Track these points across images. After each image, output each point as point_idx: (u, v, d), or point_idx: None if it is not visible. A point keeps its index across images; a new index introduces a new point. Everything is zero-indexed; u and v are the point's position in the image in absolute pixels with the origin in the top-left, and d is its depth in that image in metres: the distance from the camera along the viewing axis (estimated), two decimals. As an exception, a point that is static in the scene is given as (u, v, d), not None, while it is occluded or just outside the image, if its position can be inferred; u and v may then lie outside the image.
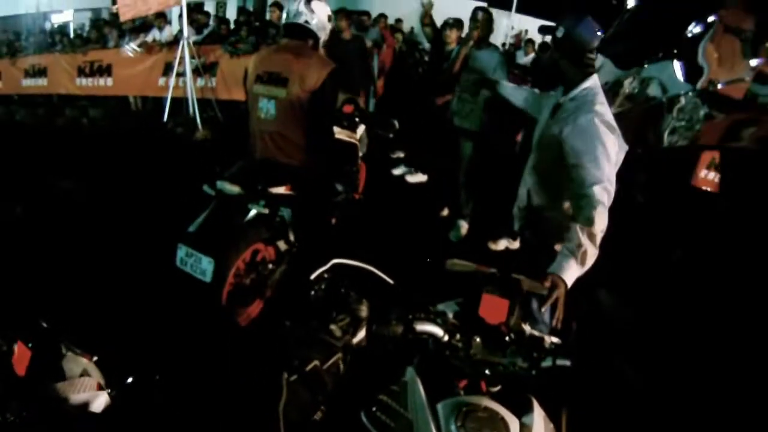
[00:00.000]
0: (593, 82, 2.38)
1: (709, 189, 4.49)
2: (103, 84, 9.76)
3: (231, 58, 8.65)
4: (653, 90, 3.86)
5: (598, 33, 2.35)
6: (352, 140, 4.68)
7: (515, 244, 4.64)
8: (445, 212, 5.53)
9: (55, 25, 15.03)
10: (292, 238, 3.43)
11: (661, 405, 2.91)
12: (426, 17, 5.64)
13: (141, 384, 1.60)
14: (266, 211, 3.19)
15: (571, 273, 2.02)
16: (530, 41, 12.09)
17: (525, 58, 11.27)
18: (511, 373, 1.39)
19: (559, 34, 2.36)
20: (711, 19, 3.61)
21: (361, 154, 4.84)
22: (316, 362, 1.51)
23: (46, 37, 12.93)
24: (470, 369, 1.41)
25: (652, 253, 4.27)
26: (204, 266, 2.97)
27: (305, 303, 1.59)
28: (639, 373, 3.11)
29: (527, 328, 1.48)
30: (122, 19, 8.36)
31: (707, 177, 4.50)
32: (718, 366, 3.19)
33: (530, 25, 15.17)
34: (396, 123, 4.48)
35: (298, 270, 3.42)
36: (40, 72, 10.35)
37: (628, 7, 4.72)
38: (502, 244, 4.87)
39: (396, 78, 8.24)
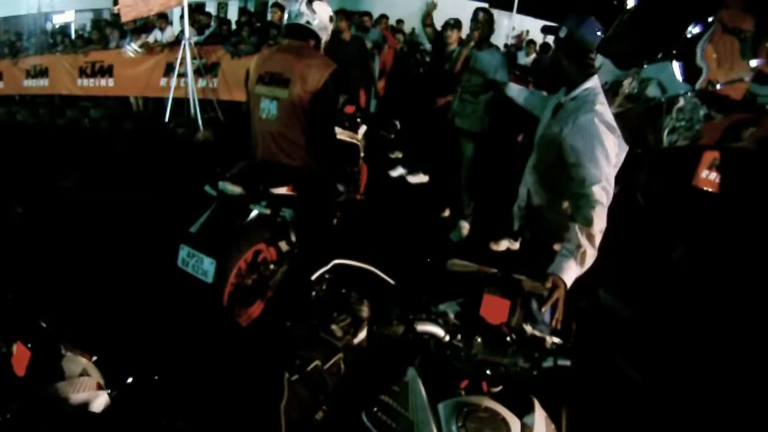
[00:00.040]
0: (594, 82, 2.39)
1: (710, 189, 4.49)
2: (105, 84, 9.78)
3: (232, 58, 8.65)
4: (652, 90, 3.86)
5: (599, 33, 2.35)
6: (354, 141, 4.69)
7: (516, 245, 4.64)
8: (447, 213, 5.54)
9: (57, 26, 15.07)
10: (293, 238, 3.44)
11: (661, 405, 2.91)
12: (428, 17, 5.65)
13: (141, 384, 1.60)
14: (268, 211, 3.19)
15: (571, 273, 2.03)
16: (532, 42, 12.08)
17: (526, 59, 11.28)
18: (513, 373, 1.40)
19: (562, 34, 2.37)
20: (710, 19, 3.61)
21: (362, 154, 4.85)
22: (317, 362, 1.51)
23: (47, 37, 12.97)
24: (471, 369, 1.41)
25: (652, 254, 4.26)
26: (206, 267, 2.97)
27: (306, 303, 1.59)
28: (639, 372, 3.11)
29: (528, 328, 1.49)
30: (123, 19, 8.37)
31: (708, 177, 4.50)
32: (718, 366, 3.19)
33: (531, 26, 15.19)
34: (397, 123, 4.48)
35: (299, 270, 3.43)
36: (42, 72, 10.37)
37: (628, 7, 4.71)
38: (503, 245, 4.87)
39: (397, 79, 8.25)
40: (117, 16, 9.25)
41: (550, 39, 10.48)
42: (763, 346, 3.25)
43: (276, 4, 9.65)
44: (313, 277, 1.60)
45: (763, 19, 3.51)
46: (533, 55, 11.06)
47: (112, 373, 1.56)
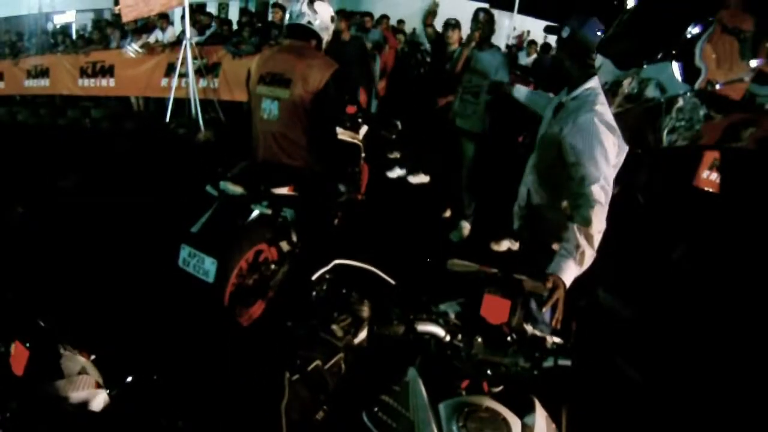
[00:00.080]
0: (595, 82, 2.40)
1: (710, 190, 4.49)
2: (106, 85, 9.78)
3: (233, 58, 8.65)
4: (652, 90, 3.86)
5: (599, 33, 2.35)
6: (355, 141, 4.69)
7: (517, 245, 4.65)
8: (448, 213, 5.54)
9: (58, 26, 15.05)
10: (294, 238, 3.44)
11: (661, 404, 2.91)
12: (429, 17, 5.65)
13: (140, 383, 1.60)
14: (269, 211, 3.19)
15: (570, 273, 2.03)
16: (533, 42, 12.08)
17: (527, 59, 11.27)
18: (513, 373, 1.40)
19: (565, 34, 2.38)
20: (710, 19, 3.60)
21: (363, 155, 4.85)
22: (317, 362, 1.52)
23: (48, 37, 12.95)
24: (472, 369, 1.41)
25: (652, 254, 4.27)
26: (207, 267, 2.98)
27: (307, 303, 1.60)
28: (640, 372, 3.11)
29: (529, 328, 1.49)
30: (124, 20, 8.37)
31: (709, 178, 4.51)
32: (718, 365, 3.19)
33: (532, 26, 15.18)
34: (398, 123, 4.48)
35: (300, 270, 3.43)
36: (43, 73, 10.38)
37: (628, 7, 4.71)
38: (504, 245, 4.87)
39: (398, 79, 8.25)
40: (118, 16, 9.27)
41: (552, 39, 10.50)
42: (763, 346, 3.25)
43: (277, 5, 9.64)
44: (314, 277, 1.60)
45: (763, 19, 3.50)
46: (534, 56, 11.05)
47: (111, 372, 1.56)
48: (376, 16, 9.40)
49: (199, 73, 8.47)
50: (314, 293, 1.59)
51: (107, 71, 9.68)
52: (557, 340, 1.46)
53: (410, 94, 7.05)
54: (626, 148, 2.35)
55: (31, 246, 3.95)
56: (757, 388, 2.98)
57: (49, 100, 10.63)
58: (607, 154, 2.19)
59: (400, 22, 11.90)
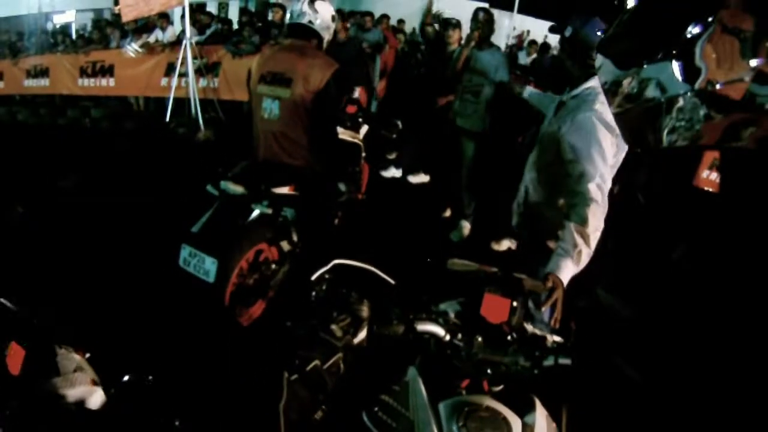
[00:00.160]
0: (596, 82, 2.39)
1: (710, 189, 4.49)
2: (106, 84, 9.78)
3: (233, 58, 8.64)
4: (652, 90, 3.86)
5: (599, 33, 2.36)
6: (356, 140, 4.69)
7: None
8: (448, 213, 5.54)
9: (57, 26, 15.06)
10: (295, 238, 3.44)
11: (660, 404, 2.91)
12: (428, 16, 5.67)
13: (137, 382, 1.60)
14: (270, 211, 3.20)
15: (567, 272, 2.04)
16: (533, 42, 12.09)
17: (527, 59, 11.28)
18: (513, 372, 1.40)
19: (567, 33, 2.39)
20: (710, 19, 3.60)
21: (364, 154, 4.85)
22: (316, 362, 1.52)
23: (48, 37, 12.97)
24: (472, 368, 1.41)
25: (652, 253, 4.26)
26: (207, 266, 2.98)
27: (306, 303, 1.60)
28: (639, 372, 3.11)
29: (529, 327, 1.49)
30: (124, 19, 8.37)
31: (709, 177, 4.50)
32: (718, 365, 3.19)
33: (532, 26, 15.17)
34: (399, 123, 4.48)
35: (301, 270, 3.43)
36: (42, 72, 10.38)
37: (628, 7, 4.71)
38: (504, 245, 4.87)
39: (398, 79, 8.25)
40: (118, 15, 9.27)
41: (551, 39, 10.50)
42: (763, 345, 3.25)
43: (277, 4, 9.65)
44: (313, 277, 1.60)
45: (763, 18, 3.50)
46: (534, 56, 11.05)
47: (107, 370, 1.56)
48: (377, 15, 9.39)
49: (199, 72, 8.47)
50: (314, 293, 1.59)
51: (107, 71, 9.67)
52: (557, 339, 1.46)
53: (410, 94, 7.05)
54: (625, 148, 2.35)
55: (30, 246, 3.95)
56: (757, 388, 2.98)
57: (48, 99, 10.63)
58: (605, 153, 2.20)
59: (401, 21, 11.90)
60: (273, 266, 3.41)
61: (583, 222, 2.10)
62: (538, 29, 14.44)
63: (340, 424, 1.49)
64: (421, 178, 6.61)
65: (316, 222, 3.55)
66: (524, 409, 1.35)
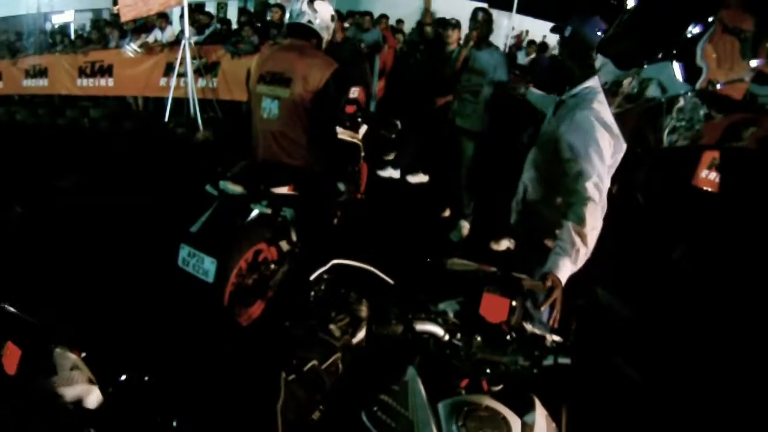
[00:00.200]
0: (595, 81, 2.41)
1: (710, 189, 4.49)
2: (104, 84, 9.77)
3: (232, 58, 8.65)
4: (652, 90, 3.86)
5: (599, 33, 2.36)
6: (355, 140, 4.69)
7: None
8: (447, 213, 5.54)
9: (56, 26, 15.06)
10: (294, 238, 3.44)
11: (660, 403, 2.91)
12: (427, 16, 5.67)
13: (134, 381, 1.60)
14: (269, 211, 3.19)
15: (566, 271, 2.05)
16: (533, 42, 12.09)
17: (526, 59, 11.29)
18: (513, 372, 1.39)
19: (567, 33, 2.40)
20: (710, 19, 3.60)
21: (363, 154, 4.85)
22: (314, 362, 1.51)
23: (46, 37, 12.97)
24: (471, 368, 1.40)
25: (652, 253, 4.27)
26: (206, 266, 2.97)
27: (305, 303, 1.59)
28: (638, 371, 3.11)
29: (528, 326, 1.48)
30: (123, 19, 8.38)
31: (708, 177, 4.50)
32: (717, 365, 3.19)
33: (531, 26, 15.17)
34: (398, 123, 4.48)
35: (300, 270, 3.43)
36: (41, 72, 10.37)
37: (628, 7, 4.71)
38: (503, 245, 4.87)
39: (397, 79, 8.25)
40: (116, 16, 9.27)
41: (550, 39, 10.50)
42: (763, 345, 3.25)
43: (277, 4, 9.64)
44: (312, 277, 1.60)
45: (763, 19, 3.50)
46: (533, 55, 11.06)
47: (103, 370, 1.56)
48: (375, 15, 9.39)
49: (198, 72, 8.47)
50: (312, 293, 1.59)
51: (106, 71, 9.67)
52: (557, 338, 1.45)
53: (409, 94, 7.06)
54: (623, 148, 2.36)
55: (29, 246, 3.94)
56: (757, 388, 2.98)
57: (47, 99, 10.62)
58: (602, 152, 2.20)
59: (399, 21, 11.90)
60: (272, 266, 3.41)
61: (580, 221, 2.10)
62: (537, 29, 14.44)
63: (339, 424, 1.48)
64: (420, 178, 6.61)
65: (315, 222, 3.55)
66: (524, 409, 1.34)
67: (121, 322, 2.98)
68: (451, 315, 1.49)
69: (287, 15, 3.41)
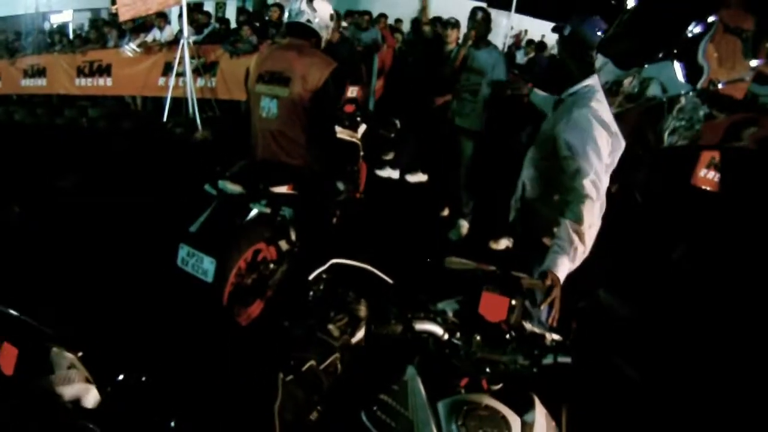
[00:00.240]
0: (594, 80, 2.42)
1: (708, 188, 4.49)
2: (103, 84, 9.76)
3: (231, 57, 8.65)
4: (653, 90, 3.86)
5: (599, 33, 2.37)
6: (354, 140, 4.69)
7: (516, 244, 4.65)
8: (446, 212, 5.54)
9: (54, 26, 15.07)
10: (293, 237, 3.43)
11: (659, 403, 2.91)
12: (424, 15, 5.67)
13: (132, 381, 1.60)
14: (268, 210, 3.19)
15: (564, 269, 2.06)
16: (532, 41, 12.09)
17: (525, 58, 11.29)
18: (512, 370, 1.39)
19: (566, 32, 2.41)
20: (711, 19, 3.60)
21: (362, 153, 4.85)
22: (312, 362, 1.51)
23: (45, 37, 12.96)
24: (471, 367, 1.40)
25: (651, 252, 4.27)
26: (206, 266, 2.97)
27: (304, 303, 1.59)
28: (638, 371, 3.11)
29: (528, 325, 1.48)
30: (121, 19, 8.37)
31: (707, 176, 4.50)
32: (717, 364, 3.19)
33: (530, 26, 15.19)
34: (397, 122, 4.48)
35: (299, 269, 3.42)
36: (40, 72, 10.36)
37: (628, 7, 4.72)
38: (502, 244, 4.87)
39: (396, 78, 8.25)
40: (115, 15, 9.27)
41: (549, 39, 10.50)
42: (763, 345, 3.25)
43: (275, 3, 9.63)
44: (311, 277, 1.60)
45: (764, 18, 3.50)
46: (532, 55, 11.06)
47: (101, 369, 1.55)
48: (374, 15, 9.38)
49: (197, 72, 8.46)
50: (311, 293, 1.59)
51: (104, 70, 9.66)
52: (556, 337, 1.45)
53: (408, 93, 7.06)
54: (621, 146, 2.37)
55: (28, 246, 3.93)
56: (757, 388, 2.98)
57: (46, 99, 10.61)
58: (600, 151, 2.21)
59: (398, 21, 11.90)
60: (271, 266, 3.41)
61: (578, 219, 2.11)
62: (536, 29, 14.46)
63: (339, 424, 1.48)
64: (419, 177, 6.61)
65: (314, 221, 3.55)
66: (523, 408, 1.34)
67: (120, 321, 2.97)
68: (450, 314, 1.49)
69: (286, 14, 3.41)
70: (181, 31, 8.29)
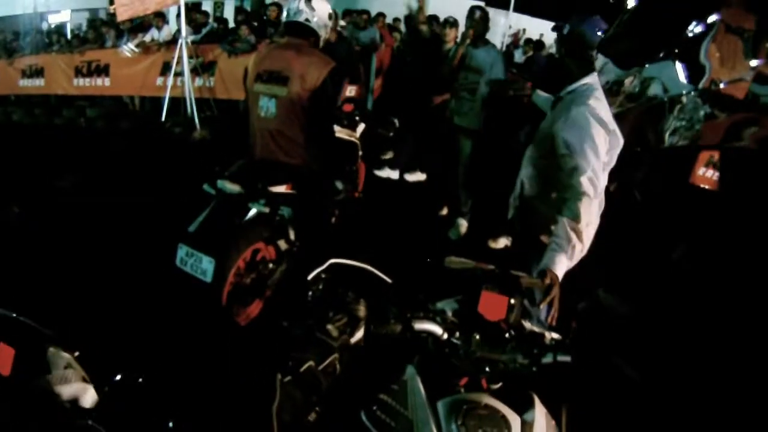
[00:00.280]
0: (593, 79, 2.41)
1: (707, 187, 4.49)
2: (101, 84, 9.76)
3: (229, 57, 8.64)
4: (654, 89, 3.86)
5: (599, 33, 2.37)
6: (352, 139, 4.68)
7: (516, 242, 4.65)
8: (445, 211, 5.54)
9: (52, 26, 15.04)
10: (292, 237, 3.43)
11: (659, 402, 2.91)
12: (420, 15, 5.67)
13: (128, 382, 1.59)
14: (267, 210, 3.19)
15: (562, 267, 2.06)
16: (530, 41, 12.09)
17: (523, 58, 11.29)
18: (512, 369, 1.39)
19: (565, 31, 2.43)
20: (713, 18, 3.60)
21: (360, 153, 4.84)
22: (310, 363, 1.51)
23: (43, 37, 12.94)
24: (470, 366, 1.40)
25: (650, 251, 4.27)
26: (204, 266, 2.96)
27: (303, 303, 1.59)
28: (638, 371, 3.11)
29: (527, 324, 1.48)
30: (119, 19, 8.36)
31: (705, 175, 4.51)
32: (716, 363, 3.19)
33: (528, 25, 15.20)
34: (396, 121, 4.47)
35: (298, 269, 3.42)
36: (38, 72, 10.35)
37: (628, 7, 4.72)
38: (501, 242, 4.87)
39: (394, 77, 8.24)
40: (113, 15, 9.25)
41: (548, 38, 10.52)
42: (762, 344, 3.25)
43: (274, 3, 9.62)
44: (310, 277, 1.59)
45: (764, 18, 3.50)
46: (531, 54, 11.06)
47: (98, 370, 1.55)
48: (373, 14, 9.37)
49: (195, 71, 8.45)
50: (310, 293, 1.59)
51: (102, 70, 9.65)
52: (556, 336, 1.45)
53: (407, 92, 7.07)
54: (619, 145, 2.37)
55: (26, 246, 3.93)
56: (756, 387, 2.98)
57: (44, 99, 10.59)
58: (597, 148, 2.21)
59: (396, 20, 11.87)
60: (270, 265, 3.40)
61: (575, 217, 2.11)
62: (534, 28, 14.47)
63: (338, 424, 1.48)
64: (418, 177, 6.60)
65: (313, 221, 3.54)
66: (523, 407, 1.34)
67: (118, 322, 2.97)
68: (449, 313, 1.48)
69: (284, 13, 3.40)
70: (179, 30, 8.29)
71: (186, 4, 8.25)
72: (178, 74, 8.32)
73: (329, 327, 1.51)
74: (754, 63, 3.62)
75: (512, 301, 1.45)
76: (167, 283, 3.13)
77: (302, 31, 3.27)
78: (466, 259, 1.65)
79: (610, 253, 2.40)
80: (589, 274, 2.14)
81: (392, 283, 1.68)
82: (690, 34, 3.70)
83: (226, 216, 3.12)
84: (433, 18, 6.94)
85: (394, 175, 6.54)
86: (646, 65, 3.99)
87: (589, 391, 2.31)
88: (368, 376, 1.57)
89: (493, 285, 1.47)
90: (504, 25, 12.49)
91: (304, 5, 3.21)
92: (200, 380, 2.59)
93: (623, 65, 4.16)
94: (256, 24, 9.57)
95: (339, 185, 4.54)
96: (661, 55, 3.89)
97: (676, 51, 3.75)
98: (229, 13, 15.64)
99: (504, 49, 10.80)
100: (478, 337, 1.40)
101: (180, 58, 8.08)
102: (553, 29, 2.55)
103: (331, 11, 3.38)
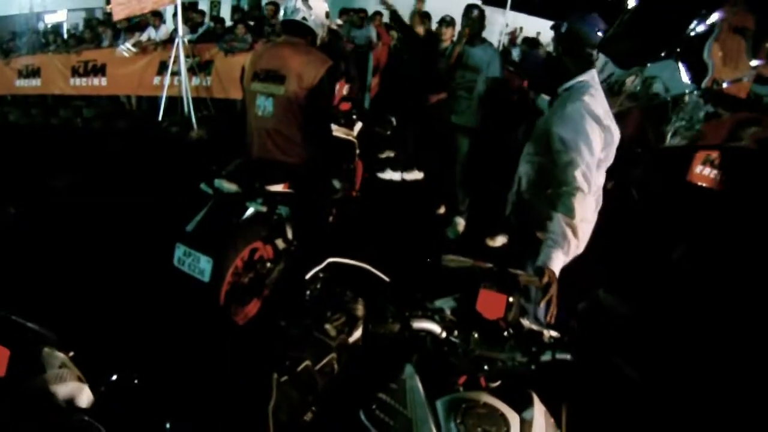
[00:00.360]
0: (590, 76, 2.42)
1: (704, 185, 4.49)
2: (98, 84, 9.74)
3: (226, 56, 8.63)
4: (656, 89, 3.86)
5: (599, 32, 2.38)
6: (350, 138, 4.68)
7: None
8: (442, 209, 5.53)
9: (49, 25, 15.00)
10: (290, 236, 3.43)
11: (659, 401, 2.91)
12: (418, 14, 5.67)
13: (124, 382, 1.59)
14: (264, 209, 3.18)
15: (558, 263, 2.07)
16: (526, 39, 12.10)
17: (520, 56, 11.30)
18: (511, 368, 1.39)
19: (563, 29, 2.43)
20: (716, 17, 3.60)
21: (357, 151, 4.84)
22: (307, 362, 1.51)
23: (39, 37, 12.90)
24: (469, 365, 1.40)
25: (649, 250, 4.27)
26: (202, 265, 2.96)
27: (301, 302, 1.59)
28: (638, 371, 3.11)
29: (525, 322, 1.48)
30: (115, 18, 8.34)
31: (702, 173, 4.51)
32: (716, 363, 3.19)
33: (525, 23, 15.21)
34: (393, 120, 4.47)
35: (296, 268, 3.41)
36: (34, 72, 10.33)
37: (629, 6, 4.72)
38: (499, 241, 4.87)
39: (391, 75, 8.23)
40: (109, 15, 9.22)
41: (544, 36, 10.52)
42: (762, 343, 3.25)
43: (270, 2, 9.60)
44: (308, 276, 1.59)
45: (764, 18, 3.50)
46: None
47: (94, 369, 1.55)
48: (370, 12, 9.37)
49: (192, 71, 8.44)
50: (308, 292, 1.58)
51: (99, 70, 9.63)
52: (554, 333, 1.45)
53: (404, 91, 7.07)
54: (615, 142, 2.38)
55: (23, 246, 3.92)
56: (756, 387, 2.98)
57: (40, 99, 10.57)
58: (591, 144, 2.22)
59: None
60: (268, 265, 3.40)
61: (569, 212, 2.12)
62: (531, 26, 14.49)
63: (337, 423, 1.47)
64: (415, 175, 6.60)
65: (310, 219, 3.54)
66: (522, 405, 1.34)
67: (115, 322, 2.96)
68: (447, 312, 1.48)
69: (281, 12, 3.40)
70: (175, 30, 8.27)
71: (183, 3, 8.22)
72: (175, 74, 8.32)
73: (327, 326, 1.51)
74: (754, 63, 3.62)
75: (511, 299, 1.44)
76: (165, 283, 3.12)
77: (299, 29, 3.26)
78: (464, 258, 1.65)
79: (609, 252, 2.39)
80: (589, 274, 2.13)
81: (390, 282, 1.68)
82: (692, 33, 3.70)
83: (223, 215, 3.12)
84: (425, 15, 6.92)
85: (396, 176, 6.54)
86: (648, 65, 3.99)
87: (588, 390, 2.31)
88: (367, 376, 1.57)
89: (491, 283, 1.46)
90: (501, 23, 12.50)
91: (302, 4, 3.21)
92: (197, 380, 2.58)
93: (623, 65, 4.16)
94: (252, 23, 9.55)
95: (336, 184, 4.53)
96: (663, 54, 3.89)
97: (678, 50, 3.75)
98: (225, 12, 15.62)
99: (501, 47, 10.80)
100: (476, 335, 1.40)
101: (177, 57, 8.06)
102: (552, 27, 2.56)
103: (328, 10, 3.38)
